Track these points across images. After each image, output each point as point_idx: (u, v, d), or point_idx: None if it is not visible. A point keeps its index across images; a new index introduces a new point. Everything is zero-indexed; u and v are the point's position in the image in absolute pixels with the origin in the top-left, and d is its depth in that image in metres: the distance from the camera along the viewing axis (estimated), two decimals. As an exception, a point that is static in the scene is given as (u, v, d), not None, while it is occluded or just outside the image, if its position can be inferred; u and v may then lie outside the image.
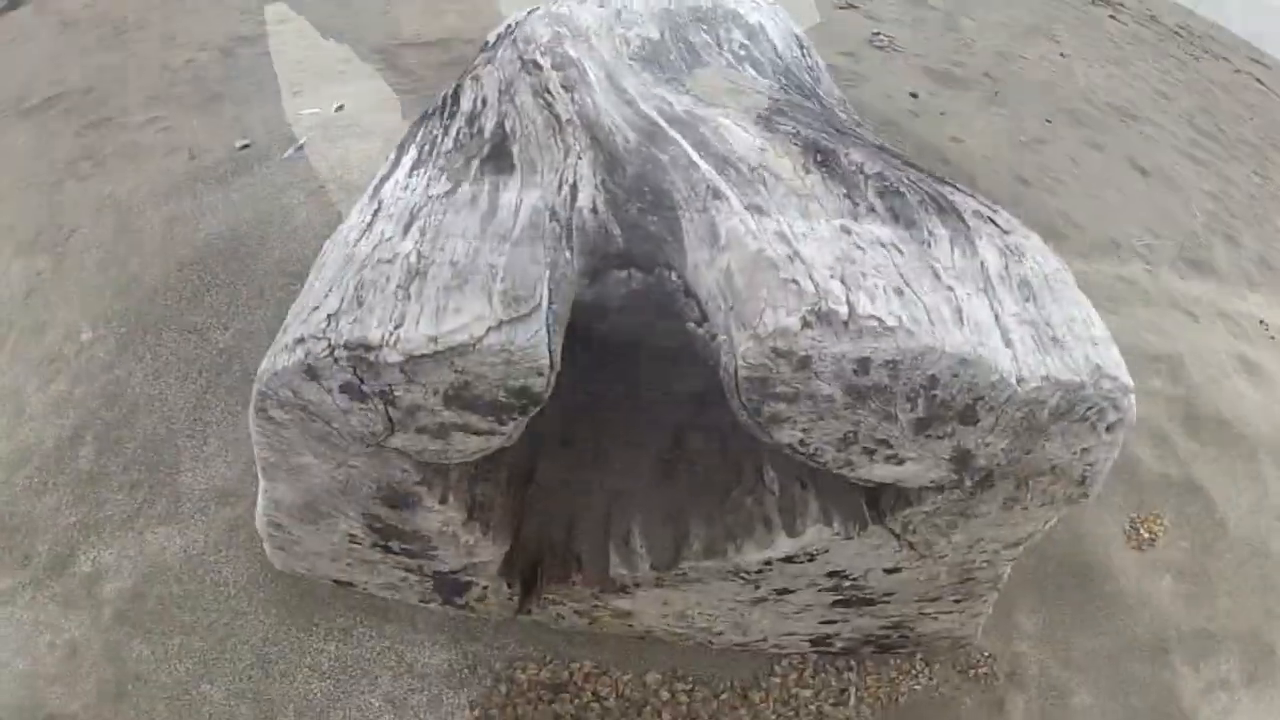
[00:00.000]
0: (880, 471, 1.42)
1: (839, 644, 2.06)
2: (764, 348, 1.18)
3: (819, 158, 1.53)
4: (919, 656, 2.11)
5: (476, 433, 1.40)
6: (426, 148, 1.77)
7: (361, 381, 1.33)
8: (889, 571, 1.76)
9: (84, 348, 2.33)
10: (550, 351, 1.25)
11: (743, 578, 1.77)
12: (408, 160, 1.76)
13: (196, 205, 2.93)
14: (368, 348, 1.26)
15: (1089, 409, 1.34)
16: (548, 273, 1.30)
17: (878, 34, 5.75)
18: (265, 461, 1.59)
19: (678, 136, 1.51)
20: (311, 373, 1.33)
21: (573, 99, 1.55)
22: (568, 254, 1.35)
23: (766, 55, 2.45)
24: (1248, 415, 2.59)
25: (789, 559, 1.68)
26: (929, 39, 5.74)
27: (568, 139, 1.50)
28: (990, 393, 1.27)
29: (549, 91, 1.59)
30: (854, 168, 1.52)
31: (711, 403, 1.94)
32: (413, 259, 1.39)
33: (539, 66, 1.66)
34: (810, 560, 1.69)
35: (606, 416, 2.09)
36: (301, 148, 3.17)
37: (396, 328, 1.26)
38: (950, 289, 1.32)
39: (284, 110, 3.64)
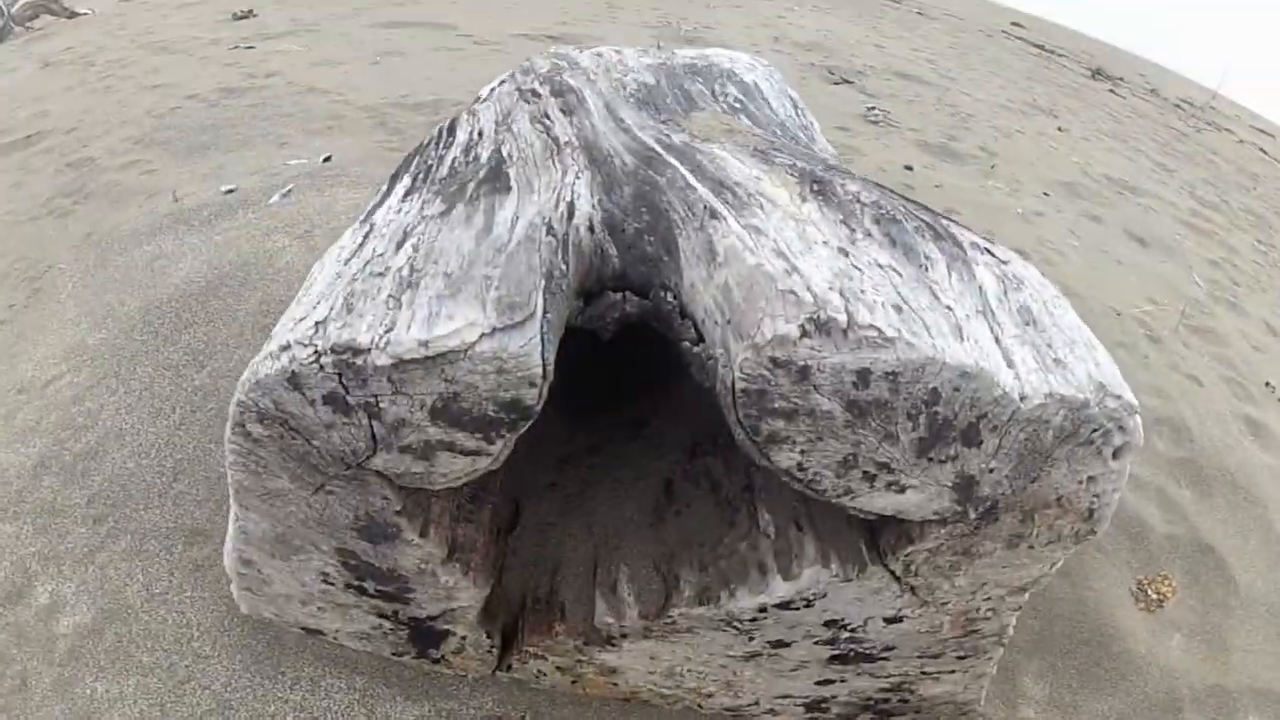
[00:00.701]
0: (881, 501, 1.43)
1: (835, 709, 2.01)
2: (762, 358, 1.22)
3: (815, 187, 1.61)
4: (919, 724, 2.07)
5: (463, 452, 1.41)
6: (420, 175, 1.84)
7: (347, 392, 1.35)
8: (889, 621, 1.74)
9: (54, 379, 2.34)
10: (544, 361, 1.28)
11: (736, 627, 1.75)
12: (400, 188, 1.83)
13: (178, 245, 3.00)
14: (356, 351, 1.29)
15: (1094, 430, 1.37)
16: (543, 283, 1.34)
17: (872, 109, 6.06)
18: (239, 485, 1.58)
19: (675, 162, 1.58)
20: (295, 381, 1.35)
21: (571, 122, 1.63)
22: (563, 267, 1.40)
23: (761, 110, 2.58)
24: (1257, 475, 2.63)
25: (785, 605, 1.67)
26: (924, 114, 6.05)
27: (565, 160, 1.57)
28: (993, 409, 1.30)
29: (547, 116, 1.67)
30: (850, 196, 1.60)
31: (703, 452, 1.97)
32: (405, 271, 1.43)
33: (538, 95, 1.75)
34: (807, 606, 1.67)
35: (594, 464, 2.10)
36: (288, 194, 3.27)
37: (387, 332, 1.29)
38: (949, 309, 1.37)
39: (270, 160, 3.77)
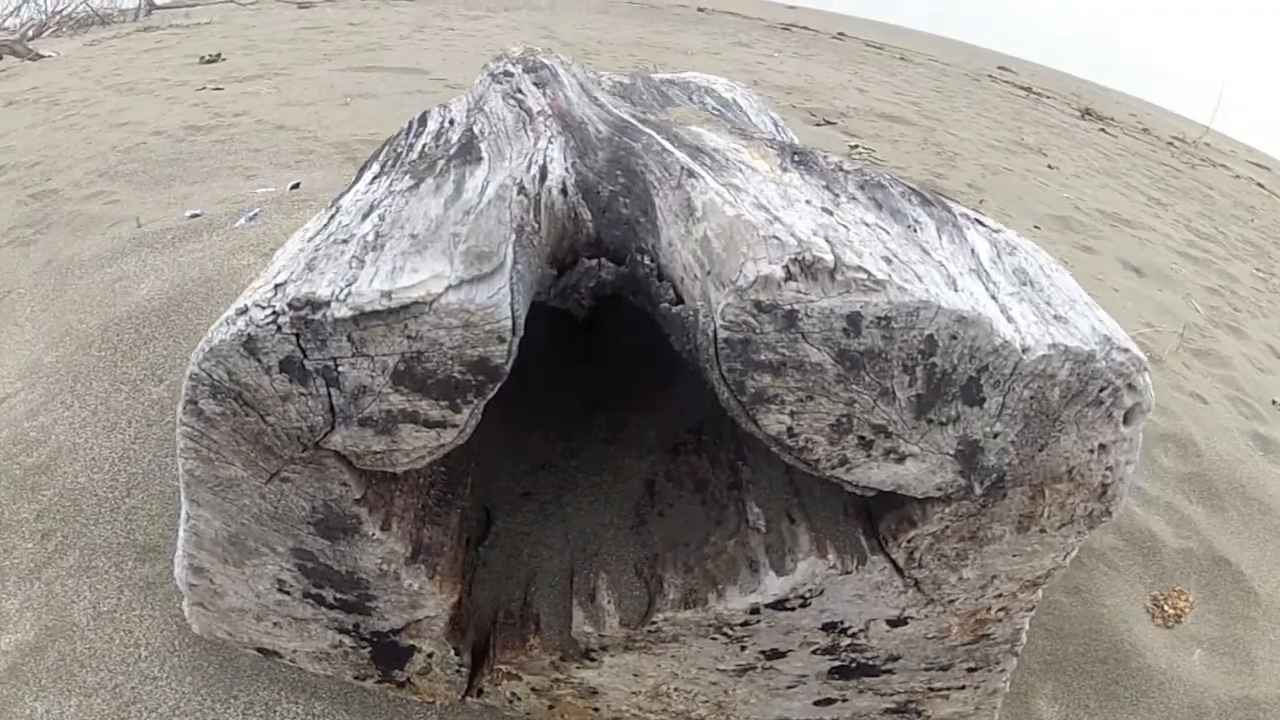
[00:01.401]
0: (879, 473, 1.39)
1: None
2: (745, 302, 1.19)
3: (796, 158, 1.61)
4: (931, 753, 1.98)
5: (427, 424, 1.36)
6: (389, 161, 1.84)
7: (305, 355, 1.31)
8: (893, 624, 1.68)
9: (7, 397, 2.31)
10: (513, 314, 1.25)
11: (726, 634, 1.68)
12: (369, 175, 1.83)
13: (141, 266, 2.99)
14: (315, 305, 1.25)
15: (1103, 389, 1.34)
16: (513, 236, 1.32)
17: (856, 147, 6.20)
18: (190, 475, 1.53)
19: (651, 131, 1.58)
20: (251, 346, 1.31)
21: (545, 93, 1.64)
22: (535, 224, 1.38)
23: (740, 118, 2.62)
24: (1270, 487, 2.62)
25: (779, 604, 1.61)
26: (909, 153, 6.20)
27: (538, 127, 1.57)
28: (994, 361, 1.28)
29: (520, 91, 1.68)
30: (832, 166, 1.60)
31: (687, 451, 1.93)
32: (370, 237, 1.41)
33: (510, 75, 1.76)
34: (803, 606, 1.61)
35: (570, 469, 2.05)
36: (255, 217, 3.27)
37: (348, 285, 1.26)
38: (941, 264, 1.36)
39: (238, 190, 3.79)
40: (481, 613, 1.84)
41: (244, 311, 1.37)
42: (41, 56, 6.61)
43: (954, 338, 1.26)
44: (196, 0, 8.73)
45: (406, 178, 1.66)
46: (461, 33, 7.84)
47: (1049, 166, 6.15)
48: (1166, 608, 2.23)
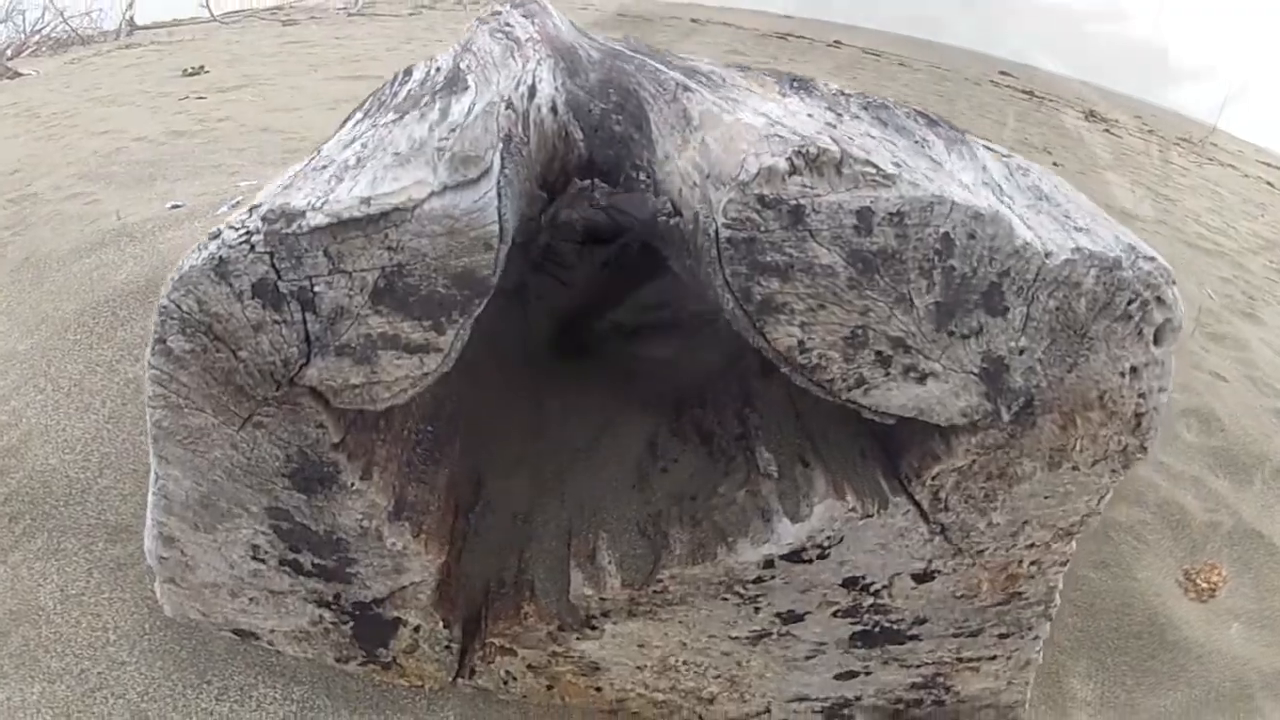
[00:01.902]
0: (899, 396, 1.34)
1: (859, 717, 1.84)
2: (748, 196, 1.15)
3: (795, 84, 1.58)
4: (960, 738, 1.90)
5: (409, 349, 1.31)
6: (373, 106, 1.81)
7: (279, 276, 1.27)
8: (919, 580, 1.61)
9: (-18, 384, 2.28)
10: (500, 218, 1.20)
11: (738, 593, 1.61)
12: (351, 121, 1.80)
13: (119, 255, 2.99)
14: (290, 217, 1.21)
15: (1131, 302, 1.30)
16: (500, 144, 1.28)
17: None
18: (158, 428, 1.48)
19: (643, 56, 1.56)
20: (222, 269, 1.27)
21: (533, 23, 1.62)
22: (524, 136, 1.35)
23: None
24: (1298, 461, 2.58)
25: (795, 555, 1.54)
26: (915, 153, 6.20)
27: (526, 52, 1.54)
28: (1016, 265, 1.24)
29: (508, 24, 1.66)
30: (834, 92, 1.58)
31: (692, 405, 1.88)
32: (350, 160, 1.38)
33: (498, 14, 1.75)
34: (821, 557, 1.55)
35: (566, 431, 2.00)
36: (238, 203, 3.25)
37: (326, 195, 1.23)
38: (952, 175, 1.32)
39: (220, 185, 3.78)
40: (472, 584, 1.77)
41: (216, 235, 1.33)
42: (20, 75, 6.67)
43: (972, 237, 1.22)
44: (178, 20, 8.85)
45: (391, 114, 1.63)
46: (449, 45, 7.91)
47: (1054, 164, 6.17)
48: (1200, 581, 2.20)
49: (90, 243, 3.11)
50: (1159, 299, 1.34)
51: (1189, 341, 3.37)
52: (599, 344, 2.26)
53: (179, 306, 1.36)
